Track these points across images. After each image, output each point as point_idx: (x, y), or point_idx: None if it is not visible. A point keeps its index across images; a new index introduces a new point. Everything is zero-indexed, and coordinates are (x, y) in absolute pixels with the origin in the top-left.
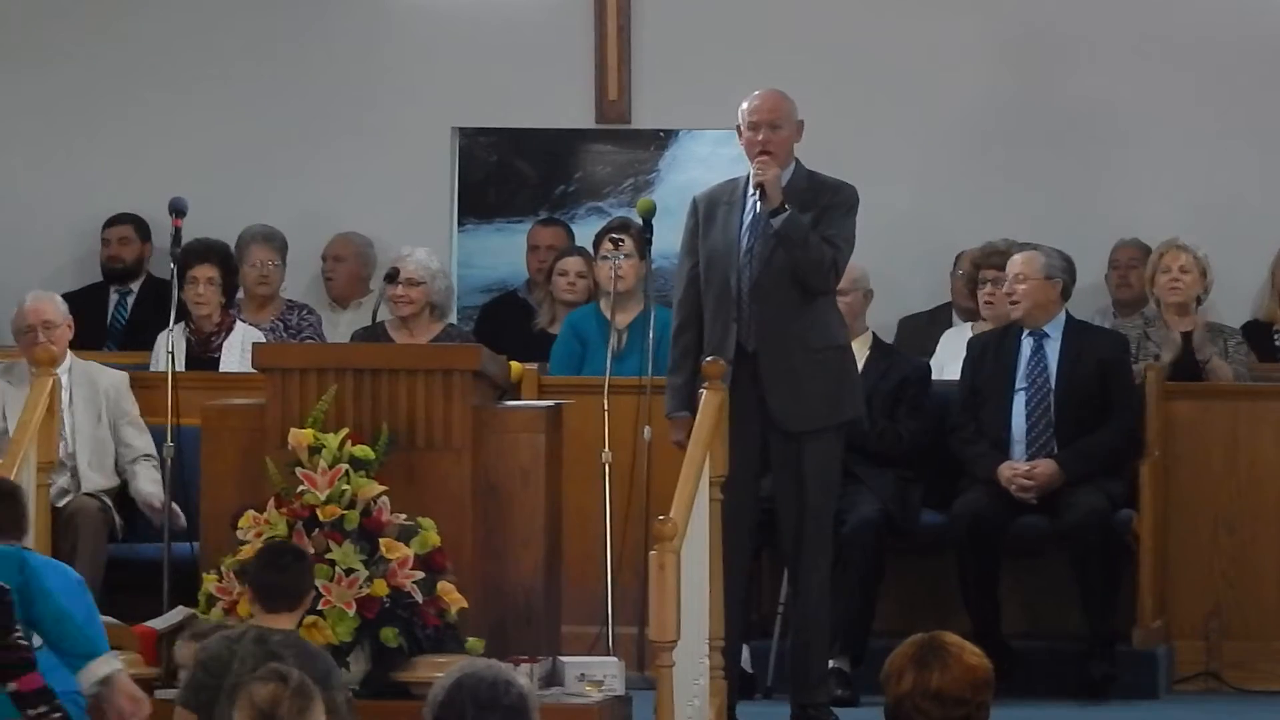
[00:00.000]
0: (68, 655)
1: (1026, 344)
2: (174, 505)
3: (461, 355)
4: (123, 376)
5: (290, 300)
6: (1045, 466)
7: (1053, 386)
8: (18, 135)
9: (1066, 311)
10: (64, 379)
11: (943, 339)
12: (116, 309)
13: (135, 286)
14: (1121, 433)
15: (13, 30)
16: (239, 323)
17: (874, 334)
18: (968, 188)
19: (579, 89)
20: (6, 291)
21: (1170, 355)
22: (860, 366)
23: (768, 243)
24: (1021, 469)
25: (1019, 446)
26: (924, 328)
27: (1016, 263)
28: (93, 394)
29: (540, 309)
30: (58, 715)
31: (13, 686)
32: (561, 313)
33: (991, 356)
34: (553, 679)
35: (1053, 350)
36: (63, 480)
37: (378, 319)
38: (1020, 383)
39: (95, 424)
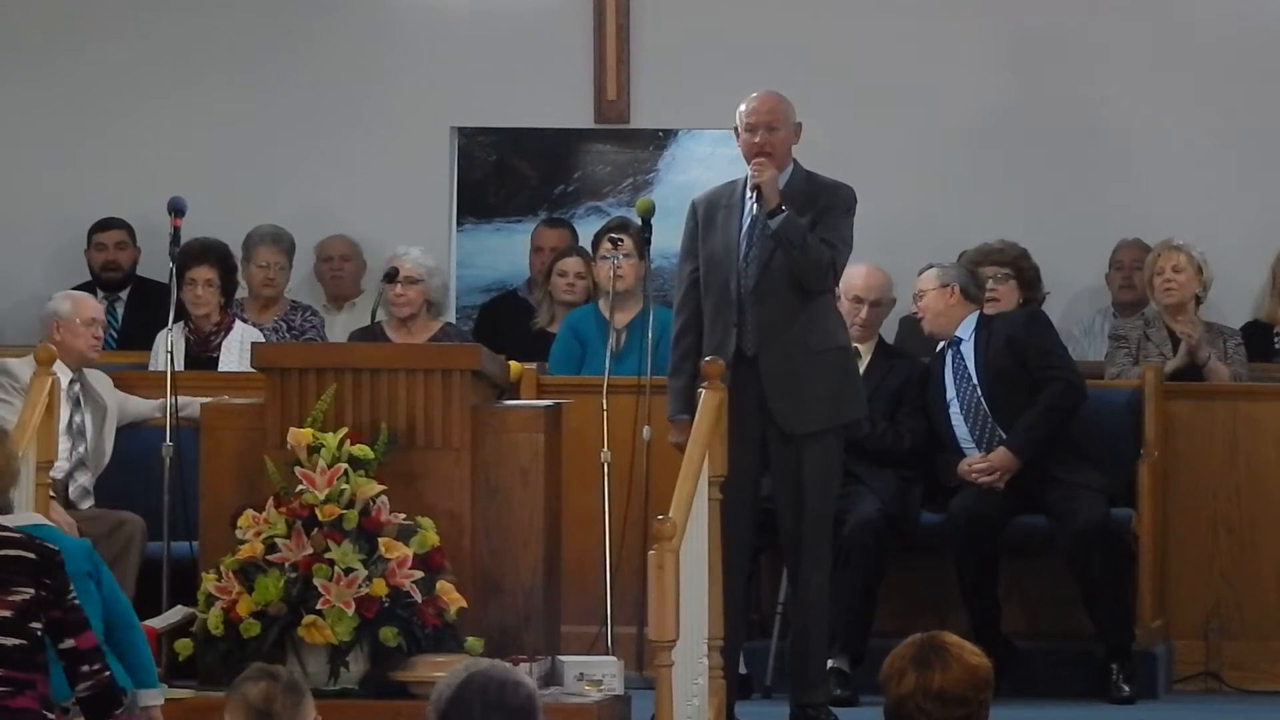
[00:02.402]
0: (126, 660)
1: (948, 355)
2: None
3: (461, 355)
4: (104, 375)
5: (294, 301)
6: (997, 454)
7: (976, 384)
8: (17, 134)
9: (980, 313)
10: (78, 384)
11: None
12: (107, 317)
13: (124, 295)
14: (1056, 393)
15: (12, 30)
16: (238, 322)
17: (879, 335)
18: (968, 188)
19: (578, 89)
20: (5, 291)
21: (1180, 363)
22: (865, 367)
23: (766, 246)
24: (975, 459)
25: (971, 452)
26: (921, 330)
27: (918, 284)
28: (101, 395)
29: (540, 309)
30: (106, 673)
31: (70, 643)
32: (561, 313)
33: (932, 377)
34: (552, 678)
35: (968, 351)
36: (84, 479)
37: (376, 319)
38: (950, 393)
39: (100, 428)
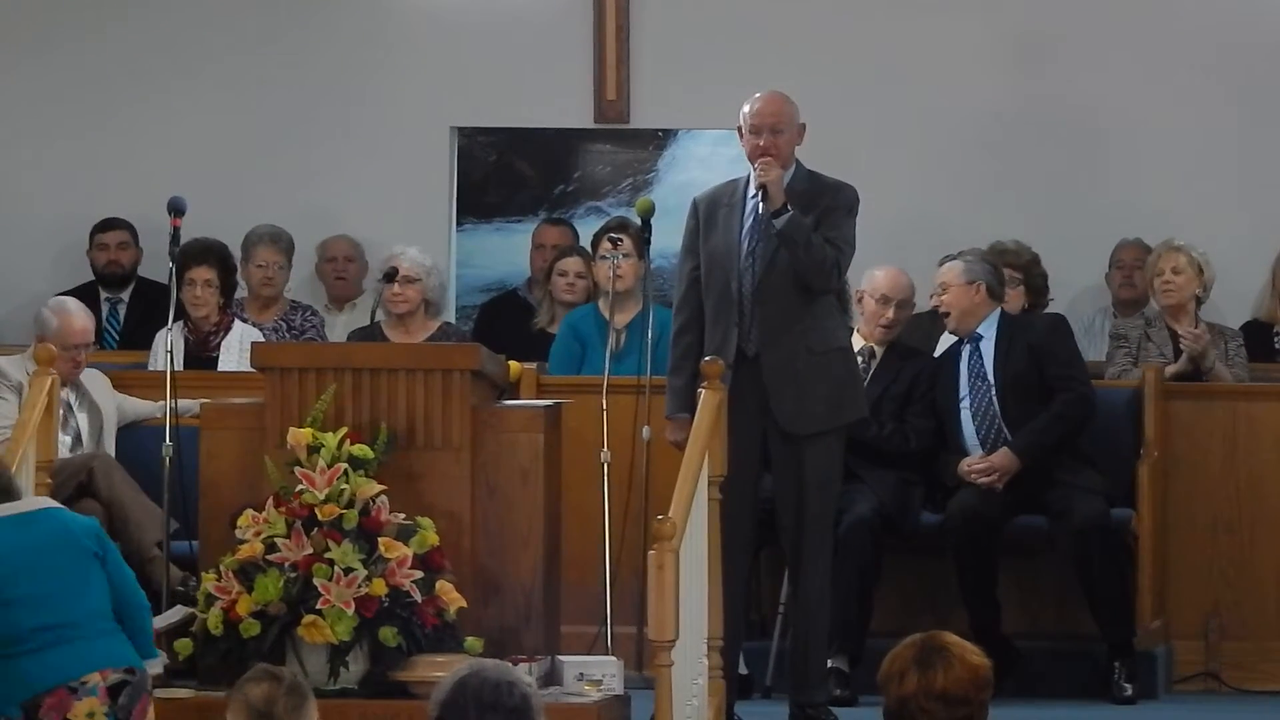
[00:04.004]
0: (136, 638)
1: (965, 351)
2: None
3: (460, 355)
4: (102, 375)
5: (294, 301)
6: (999, 455)
7: (992, 384)
8: (15, 133)
9: (1002, 310)
10: (74, 389)
11: (942, 340)
12: (109, 318)
13: (126, 295)
14: (1067, 403)
15: (11, 28)
16: (237, 322)
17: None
18: (969, 188)
19: (578, 89)
20: (7, 291)
21: (1181, 368)
22: (877, 366)
23: (769, 245)
24: (976, 458)
25: (976, 451)
26: (926, 328)
27: (940, 275)
28: (96, 395)
29: (540, 308)
30: None
31: None
32: (561, 313)
33: (945, 372)
34: (551, 678)
35: (988, 350)
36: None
37: (375, 319)
38: (963, 390)
39: (97, 430)
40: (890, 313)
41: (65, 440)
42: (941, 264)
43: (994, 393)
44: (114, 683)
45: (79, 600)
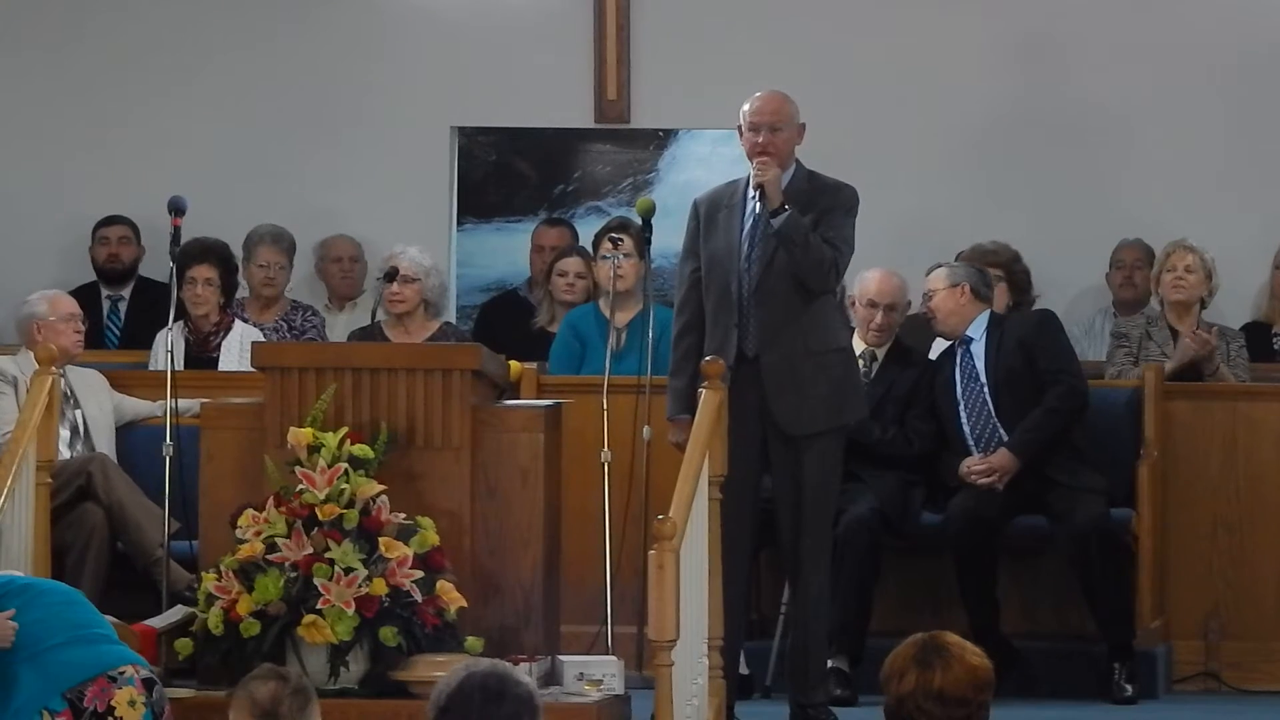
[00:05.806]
0: None
1: (959, 354)
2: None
3: (461, 354)
4: (99, 375)
5: (295, 301)
6: (998, 456)
7: (984, 383)
8: (16, 133)
9: (991, 312)
10: (71, 378)
11: (935, 344)
12: (110, 316)
13: (126, 293)
14: (1059, 396)
15: (12, 28)
16: (238, 321)
17: (896, 336)
18: (969, 188)
19: (578, 88)
20: (9, 291)
21: (1180, 362)
22: (878, 370)
23: (768, 246)
24: (974, 460)
25: (974, 451)
26: (924, 328)
27: (927, 283)
28: (92, 391)
29: (540, 308)
30: None
31: None
32: (561, 312)
33: (942, 374)
34: (552, 678)
35: (979, 351)
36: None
37: (376, 319)
38: (959, 392)
39: (107, 416)
40: (879, 317)
41: (64, 435)
42: (928, 274)
43: (987, 392)
44: (145, 677)
45: (98, 614)
